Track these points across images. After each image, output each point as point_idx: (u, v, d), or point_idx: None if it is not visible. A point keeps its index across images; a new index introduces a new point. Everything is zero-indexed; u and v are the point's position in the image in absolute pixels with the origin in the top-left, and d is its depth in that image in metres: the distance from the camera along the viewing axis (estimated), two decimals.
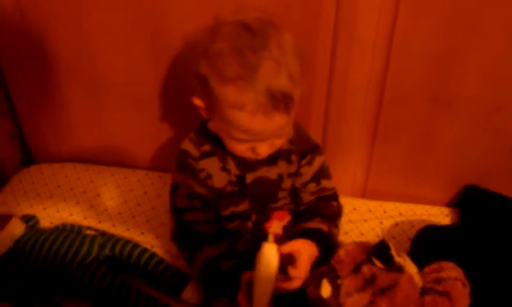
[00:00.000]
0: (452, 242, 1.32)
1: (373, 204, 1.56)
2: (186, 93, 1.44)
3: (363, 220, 1.51)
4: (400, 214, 1.52)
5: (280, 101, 1.00)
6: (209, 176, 1.20)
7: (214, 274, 1.16)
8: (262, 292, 1.03)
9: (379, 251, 1.03)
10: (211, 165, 1.19)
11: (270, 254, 1.02)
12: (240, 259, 1.17)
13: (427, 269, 1.14)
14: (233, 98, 1.01)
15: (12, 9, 1.41)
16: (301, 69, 1.04)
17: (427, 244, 1.33)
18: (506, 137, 1.41)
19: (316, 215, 1.23)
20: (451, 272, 1.11)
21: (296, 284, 1.08)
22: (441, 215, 1.52)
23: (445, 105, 1.37)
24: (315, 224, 1.21)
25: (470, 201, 1.49)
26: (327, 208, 1.26)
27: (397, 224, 1.49)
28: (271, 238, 1.04)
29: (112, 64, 1.48)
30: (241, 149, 1.11)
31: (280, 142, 1.13)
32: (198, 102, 1.10)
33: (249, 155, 1.12)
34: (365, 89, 1.38)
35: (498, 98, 1.34)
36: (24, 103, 1.62)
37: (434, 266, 1.15)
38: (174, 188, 1.22)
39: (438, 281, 1.09)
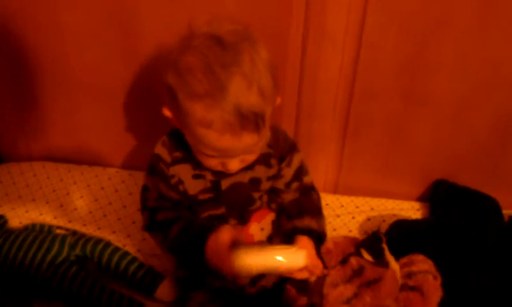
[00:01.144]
0: (423, 235, 1.34)
1: (345, 200, 1.57)
2: (156, 94, 1.44)
3: (336, 215, 1.52)
4: (372, 209, 1.54)
5: (249, 120, 0.97)
6: (180, 182, 1.18)
7: (188, 238, 1.12)
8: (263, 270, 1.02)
9: (371, 243, 1.03)
10: (183, 171, 1.17)
11: (300, 259, 1.01)
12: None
13: (398, 263, 1.15)
14: (200, 116, 0.97)
15: None
16: (275, 84, 1.01)
17: (399, 238, 1.35)
18: (475, 133, 1.44)
19: (304, 212, 1.22)
20: (422, 265, 1.13)
21: (305, 274, 1.06)
22: (412, 210, 1.54)
23: (415, 101, 1.39)
24: (306, 222, 1.20)
25: (439, 195, 1.51)
26: (310, 203, 1.25)
27: (369, 219, 1.51)
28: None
29: (84, 63, 1.46)
30: (211, 163, 1.09)
31: (251, 158, 1.11)
32: (168, 113, 1.07)
33: (219, 168, 1.10)
34: (335, 86, 1.39)
35: (467, 95, 1.37)
36: None
37: (404, 260, 1.16)
38: (145, 189, 1.21)
39: (409, 275, 1.11)
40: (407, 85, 1.36)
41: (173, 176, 1.17)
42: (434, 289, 1.08)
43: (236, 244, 1.03)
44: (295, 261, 1.02)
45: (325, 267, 1.04)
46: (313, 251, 1.09)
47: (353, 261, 1.04)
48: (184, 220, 1.15)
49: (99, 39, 1.41)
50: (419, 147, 1.47)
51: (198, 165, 1.15)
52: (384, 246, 1.04)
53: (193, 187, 1.18)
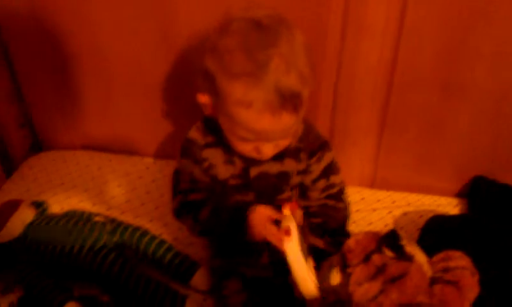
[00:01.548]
0: (460, 231, 1.33)
1: (382, 194, 1.56)
2: (192, 84, 1.45)
3: (372, 209, 1.52)
4: (409, 204, 1.52)
5: (288, 100, 0.98)
6: (212, 166, 1.19)
7: (223, 213, 1.16)
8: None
9: (389, 240, 1.02)
10: (215, 156, 1.19)
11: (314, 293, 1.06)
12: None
13: (435, 258, 1.14)
14: (240, 95, 0.98)
15: None
16: (311, 68, 1.02)
17: (435, 234, 1.34)
18: None
19: (325, 232, 1.23)
20: (459, 261, 1.11)
21: None
22: (449, 206, 1.52)
23: (455, 93, 1.36)
24: (326, 245, 1.21)
25: (478, 191, 1.49)
26: (336, 217, 1.26)
27: (405, 214, 1.50)
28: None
29: (121, 53, 1.48)
30: (245, 148, 1.09)
31: (285, 143, 1.11)
32: (203, 99, 1.08)
33: (253, 154, 1.10)
34: (373, 77, 1.38)
35: (509, 86, 1.34)
36: (34, 92, 1.62)
37: (442, 255, 1.14)
38: (177, 173, 1.23)
39: (446, 270, 1.09)
40: (447, 76, 1.34)
41: (205, 159, 1.19)
42: (471, 285, 1.06)
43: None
44: (309, 293, 1.06)
45: (347, 266, 1.04)
46: None
47: (375, 258, 1.03)
48: (214, 201, 1.17)
49: (136, 30, 1.43)
50: (458, 141, 1.45)
51: (229, 150, 1.17)
52: (404, 242, 1.03)
53: (223, 171, 1.19)
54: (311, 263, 1.08)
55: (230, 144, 1.13)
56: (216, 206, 1.17)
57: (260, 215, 1.11)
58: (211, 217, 1.17)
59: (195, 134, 1.20)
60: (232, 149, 1.14)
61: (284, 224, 1.07)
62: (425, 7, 1.25)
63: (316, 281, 1.06)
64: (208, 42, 1.04)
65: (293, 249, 1.04)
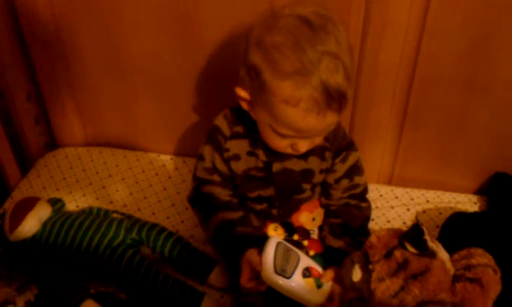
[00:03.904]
0: (481, 229, 1.31)
1: (400, 191, 1.55)
2: (213, 83, 1.44)
3: (390, 207, 1.50)
4: (428, 201, 1.51)
5: (335, 99, 0.98)
6: (234, 157, 1.19)
7: (226, 238, 1.18)
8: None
9: (413, 235, 1.01)
10: (239, 147, 1.19)
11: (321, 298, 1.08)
12: (253, 232, 1.19)
13: (456, 256, 1.13)
14: (288, 94, 0.98)
15: None
16: (353, 67, 1.03)
17: (455, 231, 1.32)
18: None
19: (346, 233, 1.23)
20: (481, 258, 1.10)
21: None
22: (469, 203, 1.50)
23: (478, 89, 1.35)
24: (344, 246, 1.21)
25: (498, 188, 1.47)
26: (358, 216, 1.26)
27: (424, 211, 1.48)
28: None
29: (138, 49, 1.48)
30: (282, 144, 1.09)
31: (320, 140, 1.12)
32: (242, 93, 1.08)
33: (288, 150, 1.10)
34: (395, 72, 1.36)
35: None
36: (50, 88, 1.62)
37: (463, 252, 1.13)
38: (199, 158, 1.23)
39: (468, 267, 1.08)
40: (469, 73, 1.32)
41: (228, 149, 1.19)
42: (494, 282, 1.05)
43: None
44: (314, 300, 1.07)
45: (369, 262, 1.03)
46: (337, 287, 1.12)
47: (397, 254, 1.02)
48: (224, 212, 1.19)
49: (153, 24, 1.42)
50: (479, 138, 1.43)
51: (253, 143, 1.16)
52: (427, 237, 1.02)
53: (245, 163, 1.19)
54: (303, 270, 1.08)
55: (262, 138, 1.13)
56: (223, 224, 1.18)
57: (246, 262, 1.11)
58: (218, 231, 1.19)
59: (221, 122, 1.20)
60: (257, 141, 1.14)
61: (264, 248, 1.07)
62: (448, 3, 1.23)
63: (315, 289, 1.07)
64: (253, 36, 1.03)
65: (268, 276, 1.04)
